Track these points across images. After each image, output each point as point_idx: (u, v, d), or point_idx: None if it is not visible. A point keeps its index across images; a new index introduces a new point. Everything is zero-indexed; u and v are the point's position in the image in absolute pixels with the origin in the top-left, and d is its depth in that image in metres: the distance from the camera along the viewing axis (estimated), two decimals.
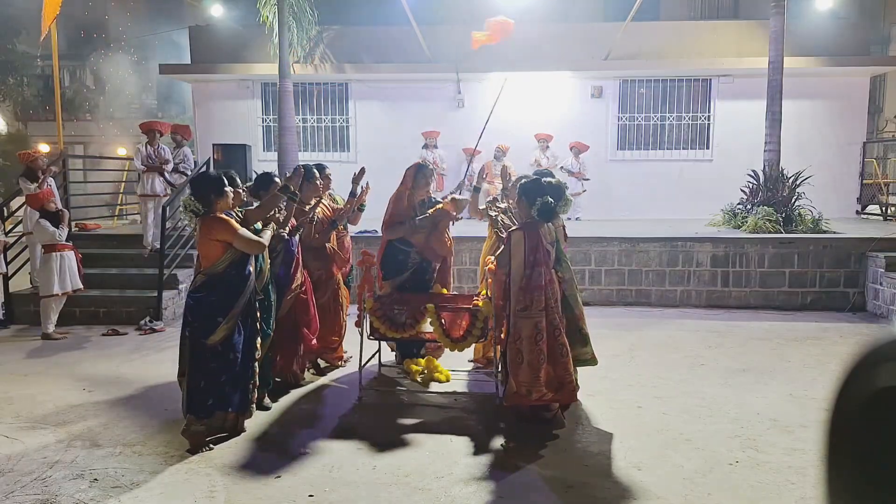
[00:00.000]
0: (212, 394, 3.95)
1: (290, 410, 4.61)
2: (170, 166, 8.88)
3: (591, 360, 4.52)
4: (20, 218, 8.18)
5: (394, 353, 5.61)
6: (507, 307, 4.27)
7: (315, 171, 5.16)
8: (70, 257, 6.95)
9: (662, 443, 4.01)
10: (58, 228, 6.81)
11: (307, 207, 5.07)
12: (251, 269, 4.14)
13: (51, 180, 8.07)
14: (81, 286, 7.05)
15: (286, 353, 5.02)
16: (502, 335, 4.35)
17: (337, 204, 5.60)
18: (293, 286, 4.87)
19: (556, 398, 4.19)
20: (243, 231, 4.00)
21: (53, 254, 6.80)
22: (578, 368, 4.41)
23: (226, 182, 4.06)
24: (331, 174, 5.58)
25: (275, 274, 4.73)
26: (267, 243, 4.18)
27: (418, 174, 5.27)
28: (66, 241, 6.99)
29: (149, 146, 8.79)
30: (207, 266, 3.97)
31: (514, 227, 4.36)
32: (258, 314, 4.24)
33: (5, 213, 7.89)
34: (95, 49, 24.03)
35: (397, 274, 5.23)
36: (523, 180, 4.44)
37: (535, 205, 4.13)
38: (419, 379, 5.18)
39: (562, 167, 11.02)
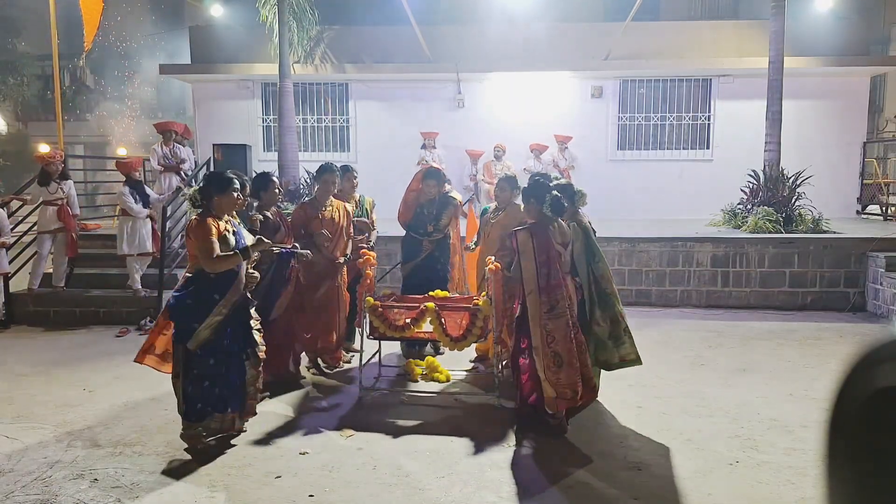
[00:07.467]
0: (201, 398, 3.87)
1: (289, 410, 4.61)
2: (186, 165, 8.90)
3: (637, 360, 4.39)
4: (20, 218, 8.17)
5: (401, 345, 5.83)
6: (517, 312, 4.18)
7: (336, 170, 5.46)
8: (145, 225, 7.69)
9: (662, 443, 4.01)
10: (137, 204, 7.56)
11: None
12: (241, 270, 3.95)
13: (69, 185, 7.93)
14: (150, 250, 7.70)
15: (282, 353, 5.01)
16: (522, 344, 4.26)
17: (363, 215, 5.87)
18: (288, 289, 4.89)
19: (586, 395, 4.16)
20: (213, 243, 3.75)
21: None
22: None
23: (236, 184, 3.97)
24: (356, 176, 5.88)
25: (272, 276, 4.75)
26: (230, 266, 3.86)
27: (427, 177, 5.59)
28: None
29: (164, 146, 8.81)
30: (192, 264, 3.89)
31: (517, 227, 4.26)
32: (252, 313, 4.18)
33: (6, 213, 7.86)
34: (96, 49, 24.03)
35: (413, 258, 5.69)
36: (524, 186, 4.42)
37: (546, 201, 4.11)
38: (419, 379, 5.20)
39: (556, 165, 11.00)
